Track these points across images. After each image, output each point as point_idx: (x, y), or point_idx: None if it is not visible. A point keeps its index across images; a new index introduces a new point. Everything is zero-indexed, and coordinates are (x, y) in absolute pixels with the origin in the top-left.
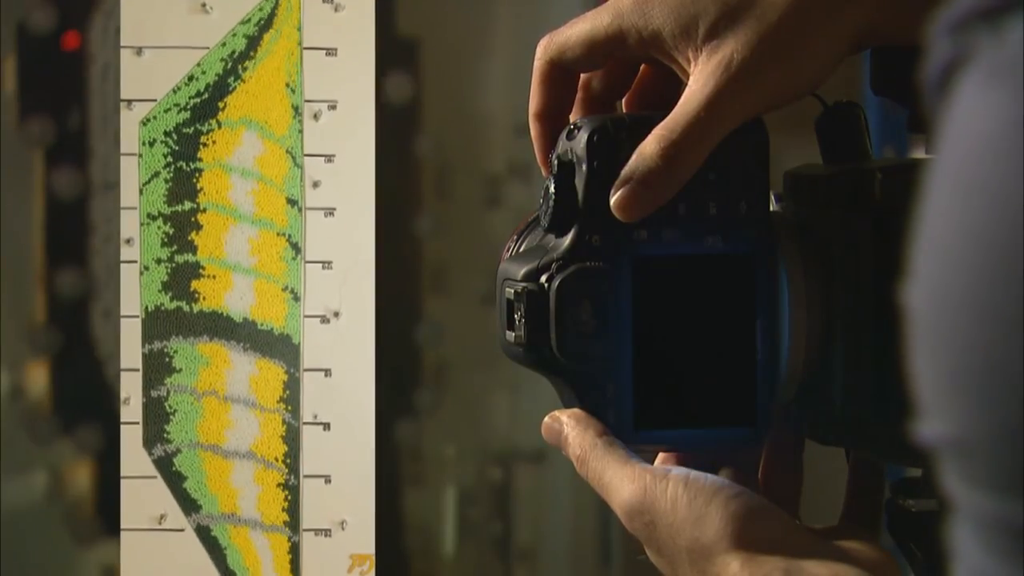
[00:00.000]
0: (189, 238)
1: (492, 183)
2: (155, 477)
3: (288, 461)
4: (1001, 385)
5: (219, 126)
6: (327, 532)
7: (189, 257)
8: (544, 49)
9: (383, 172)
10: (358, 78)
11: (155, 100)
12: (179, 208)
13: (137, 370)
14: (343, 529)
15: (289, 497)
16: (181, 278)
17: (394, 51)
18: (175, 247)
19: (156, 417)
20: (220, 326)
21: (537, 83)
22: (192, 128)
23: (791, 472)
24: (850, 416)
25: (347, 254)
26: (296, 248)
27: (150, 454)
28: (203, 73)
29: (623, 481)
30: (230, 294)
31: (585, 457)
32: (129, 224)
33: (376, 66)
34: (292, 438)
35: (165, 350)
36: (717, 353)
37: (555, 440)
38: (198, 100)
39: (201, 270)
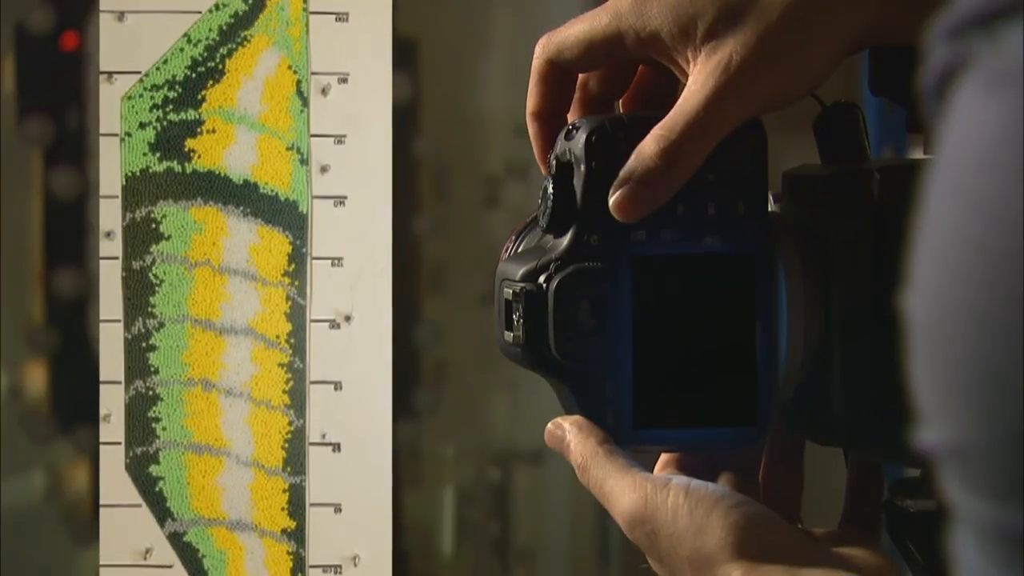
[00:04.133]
0: (200, 95)
1: (491, 183)
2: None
3: (292, 342)
4: (1000, 393)
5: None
6: (337, 569)
7: (188, 114)
8: (542, 48)
9: (399, 159)
10: (373, 47)
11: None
12: (194, 73)
13: (119, 383)
14: (355, 565)
15: (291, 381)
16: (173, 137)
17: (393, 51)
18: (169, 108)
19: (140, 289)
20: (216, 188)
21: (535, 82)
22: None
23: (791, 474)
24: (849, 416)
25: (360, 249)
26: (303, 98)
27: (128, 332)
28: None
29: (624, 490)
30: (230, 150)
31: (586, 465)
32: (109, 215)
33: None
34: (297, 316)
35: (152, 215)
36: (716, 353)
37: (557, 446)
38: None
39: (200, 126)
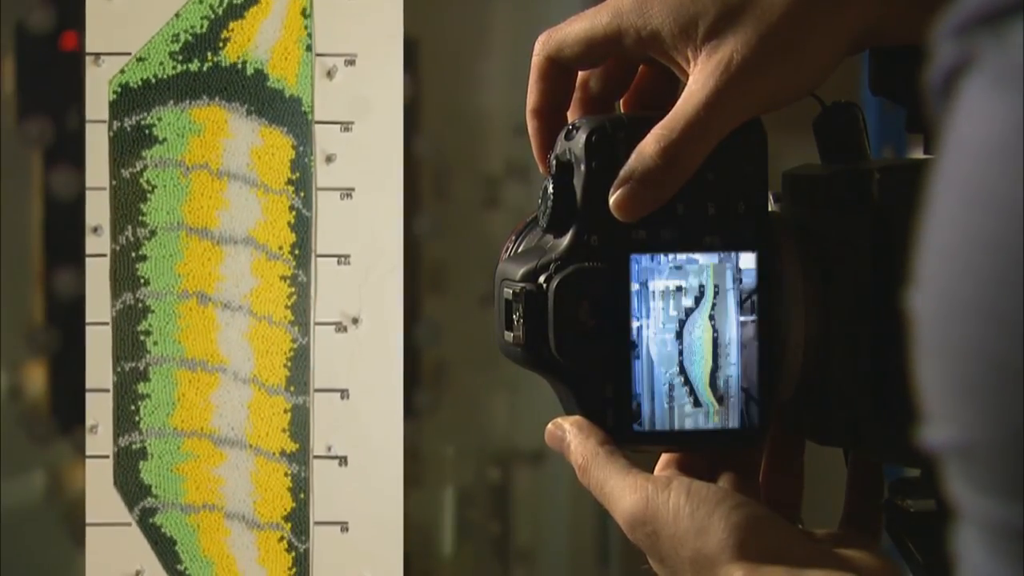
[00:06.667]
0: None
1: (490, 183)
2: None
3: (296, 252)
4: (1008, 391)
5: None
6: None
7: None
8: (542, 45)
9: (410, 149)
10: (382, 25)
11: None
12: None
13: (108, 391)
14: None
15: (295, 296)
16: (217, 27)
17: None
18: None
19: (129, 197)
20: (225, 81)
21: (535, 79)
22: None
23: (792, 474)
24: (849, 416)
25: (369, 246)
26: None
27: (115, 243)
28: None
29: (625, 491)
30: (263, 27)
31: (587, 466)
32: (96, 208)
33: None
34: (302, 227)
35: (143, 122)
36: (715, 353)
37: (557, 446)
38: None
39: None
